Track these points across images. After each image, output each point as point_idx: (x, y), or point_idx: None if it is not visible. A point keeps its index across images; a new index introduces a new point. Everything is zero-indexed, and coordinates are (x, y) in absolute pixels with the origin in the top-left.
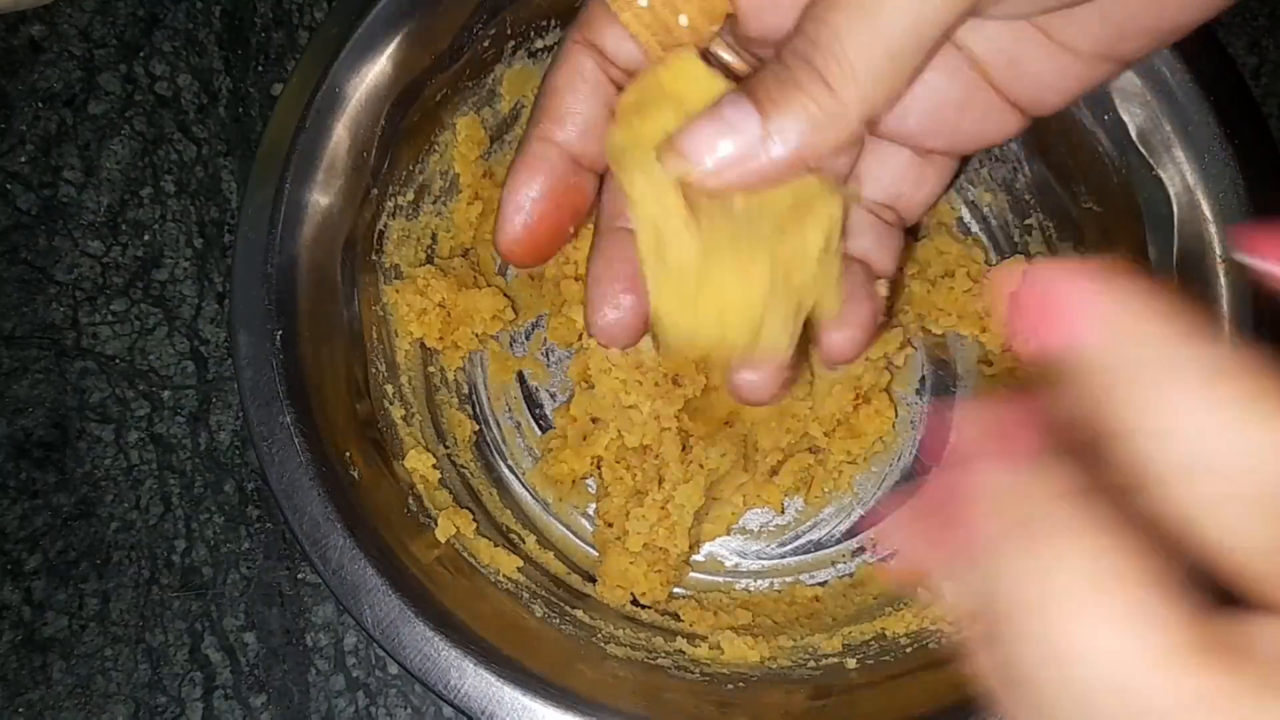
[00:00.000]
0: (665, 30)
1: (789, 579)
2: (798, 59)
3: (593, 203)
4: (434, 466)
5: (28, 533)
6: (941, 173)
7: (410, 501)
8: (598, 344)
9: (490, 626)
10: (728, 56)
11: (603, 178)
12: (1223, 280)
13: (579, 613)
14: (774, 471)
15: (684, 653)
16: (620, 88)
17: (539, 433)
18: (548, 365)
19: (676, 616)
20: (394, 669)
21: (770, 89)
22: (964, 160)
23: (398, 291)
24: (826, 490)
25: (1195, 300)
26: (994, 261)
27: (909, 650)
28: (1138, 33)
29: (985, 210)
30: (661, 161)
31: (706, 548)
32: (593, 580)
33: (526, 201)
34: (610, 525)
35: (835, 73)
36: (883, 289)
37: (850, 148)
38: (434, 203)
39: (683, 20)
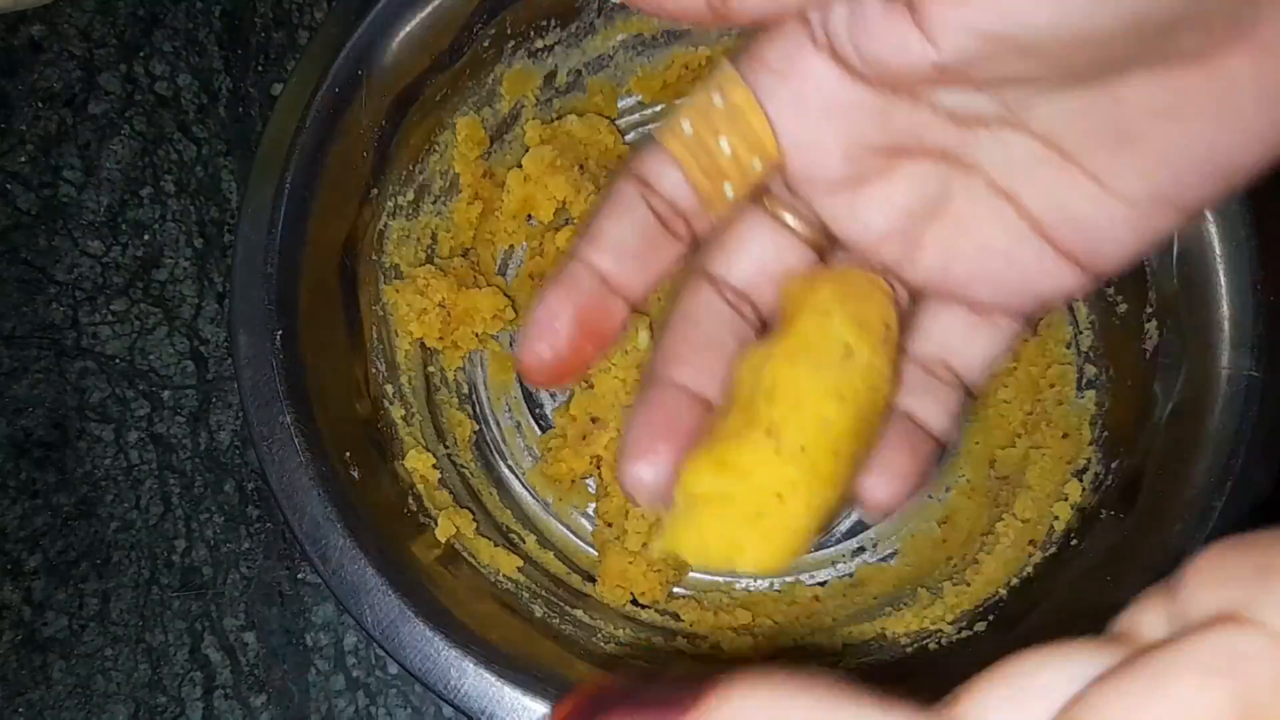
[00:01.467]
0: (708, 156)
1: (789, 579)
2: None
3: (620, 329)
4: (434, 466)
5: (28, 533)
6: (997, 332)
7: (410, 501)
8: (628, 498)
9: (490, 626)
10: (790, 219)
11: (652, 325)
12: (1223, 280)
13: (579, 613)
14: None
15: (684, 653)
16: (660, 216)
17: (539, 432)
18: None
19: (676, 616)
20: (394, 669)
21: None
22: (1029, 323)
23: (398, 291)
24: None
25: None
26: None
27: (909, 650)
28: (1193, 174)
29: None
30: None
31: None
32: (593, 580)
33: (556, 323)
34: (610, 525)
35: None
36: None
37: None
38: (434, 203)
39: (724, 145)
